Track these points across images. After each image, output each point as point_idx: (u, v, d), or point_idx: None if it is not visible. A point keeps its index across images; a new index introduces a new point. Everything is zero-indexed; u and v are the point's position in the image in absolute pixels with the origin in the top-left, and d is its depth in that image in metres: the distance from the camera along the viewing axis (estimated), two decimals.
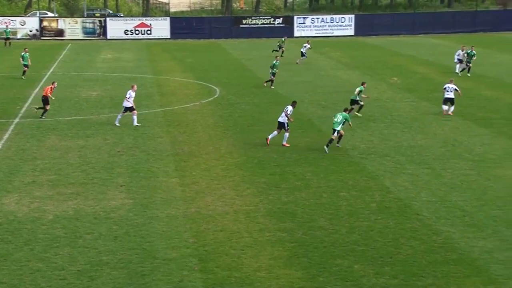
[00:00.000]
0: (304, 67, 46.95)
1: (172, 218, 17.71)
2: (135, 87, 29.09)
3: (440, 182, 20.45)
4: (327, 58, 51.91)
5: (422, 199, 18.92)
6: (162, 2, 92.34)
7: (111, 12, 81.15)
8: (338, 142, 24.50)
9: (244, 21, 70.45)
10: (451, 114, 29.71)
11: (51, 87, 30.57)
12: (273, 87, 37.60)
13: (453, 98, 29.86)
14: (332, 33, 69.38)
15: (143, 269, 14.69)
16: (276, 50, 52.09)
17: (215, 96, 36.14)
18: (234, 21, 70.99)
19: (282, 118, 24.88)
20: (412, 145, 24.71)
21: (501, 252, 15.28)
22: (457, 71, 41.20)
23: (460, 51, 41.96)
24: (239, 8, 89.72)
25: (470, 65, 39.91)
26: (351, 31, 69.81)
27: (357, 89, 30.05)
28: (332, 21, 70.48)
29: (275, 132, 25.02)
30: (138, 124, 28.14)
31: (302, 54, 48.13)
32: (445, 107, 29.99)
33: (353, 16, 71.53)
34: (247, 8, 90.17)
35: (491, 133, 26.53)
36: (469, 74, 39.18)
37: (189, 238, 16.39)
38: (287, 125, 24.83)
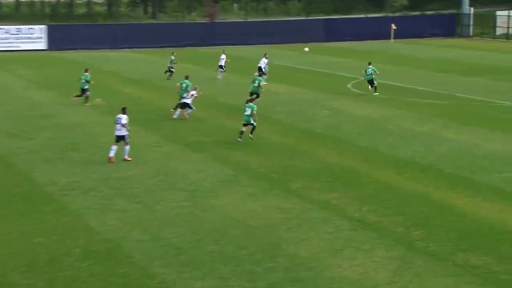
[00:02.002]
0: None
1: None
2: None
3: (153, 217, 20.86)
4: (15, 76, 50.16)
5: (133, 239, 19.09)
6: None
7: None
8: (251, 133, 29.13)
9: None
10: (187, 116, 34.39)
11: None
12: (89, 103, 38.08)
13: (188, 103, 34.39)
14: (19, 46, 67.29)
15: None
16: (170, 70, 47.93)
17: None
18: None
19: (120, 131, 26.35)
20: (121, 177, 24.86)
21: None
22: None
23: (264, 59, 46.09)
24: None
25: (376, 84, 40.46)
26: (43, 45, 68.46)
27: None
28: (18, 33, 68.29)
29: (115, 147, 26.36)
30: None
31: (221, 67, 48.24)
32: (179, 112, 34.63)
33: (45, 27, 70.21)
34: None
35: (205, 158, 27.84)
36: (376, 93, 40.26)
37: None
38: (128, 137, 26.50)
